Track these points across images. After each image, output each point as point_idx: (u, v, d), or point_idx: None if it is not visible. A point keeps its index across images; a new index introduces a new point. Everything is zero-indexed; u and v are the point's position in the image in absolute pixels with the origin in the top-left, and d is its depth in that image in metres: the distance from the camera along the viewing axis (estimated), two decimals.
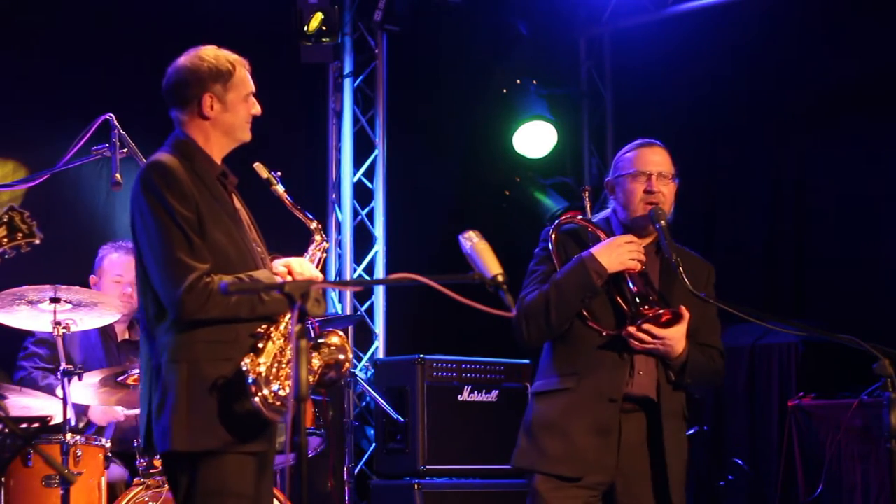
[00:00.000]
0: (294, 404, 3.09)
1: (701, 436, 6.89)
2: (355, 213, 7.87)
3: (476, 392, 6.92)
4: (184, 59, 3.79)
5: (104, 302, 5.21)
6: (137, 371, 4.95)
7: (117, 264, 5.74)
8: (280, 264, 3.82)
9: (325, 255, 4.00)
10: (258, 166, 3.93)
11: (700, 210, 8.07)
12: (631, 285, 4.18)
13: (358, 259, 7.87)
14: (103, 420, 5.51)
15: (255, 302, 3.60)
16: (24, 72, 6.50)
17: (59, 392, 4.99)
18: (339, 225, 7.85)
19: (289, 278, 3.75)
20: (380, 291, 7.85)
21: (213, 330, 3.58)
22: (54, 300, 5.01)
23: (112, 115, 5.00)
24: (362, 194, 7.92)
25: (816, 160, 7.76)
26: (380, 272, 7.82)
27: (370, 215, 7.93)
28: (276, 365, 3.60)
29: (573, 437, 4.15)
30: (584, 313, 4.19)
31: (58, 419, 5.01)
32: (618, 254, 4.16)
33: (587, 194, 4.48)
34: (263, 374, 3.56)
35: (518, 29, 8.14)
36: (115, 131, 4.97)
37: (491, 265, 3.45)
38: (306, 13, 7.33)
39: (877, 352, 3.93)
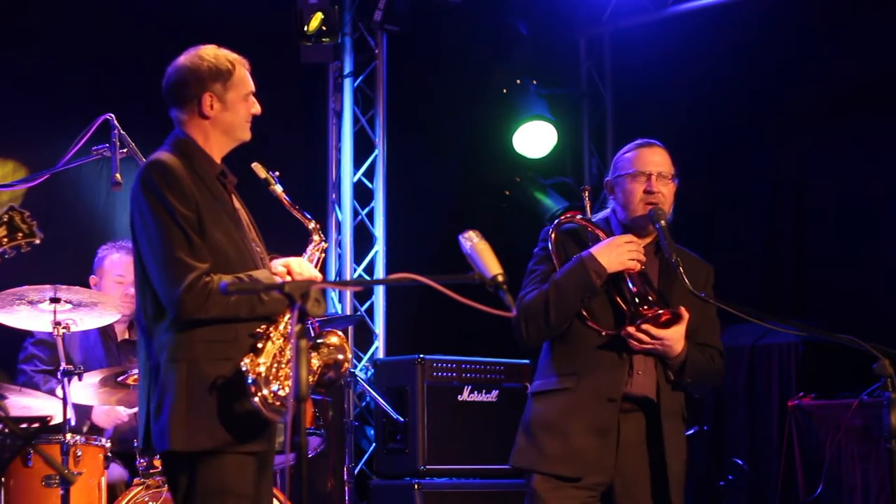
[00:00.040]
0: (294, 404, 3.09)
1: (701, 436, 6.89)
2: (355, 213, 7.87)
3: (476, 392, 6.92)
4: (183, 59, 3.79)
5: (104, 302, 5.20)
6: (137, 371, 4.95)
7: (118, 264, 5.74)
8: (279, 264, 3.82)
9: (323, 255, 4.00)
10: (256, 166, 3.93)
11: (700, 210, 8.07)
12: (630, 285, 4.18)
13: (358, 259, 7.87)
14: (107, 423, 5.49)
15: (254, 302, 3.60)
16: (24, 72, 6.50)
17: (59, 392, 4.99)
18: (339, 225, 7.86)
19: (288, 278, 3.75)
20: (380, 291, 7.85)
21: (212, 329, 3.58)
22: (54, 300, 5.01)
23: (112, 115, 5.00)
24: (362, 194, 7.92)
25: (816, 160, 7.76)
26: (380, 272, 7.82)
27: (370, 215, 7.93)
28: (275, 365, 3.60)
29: (572, 437, 4.15)
30: (584, 313, 4.19)
31: (58, 419, 5.00)
32: (617, 254, 4.16)
33: (587, 194, 4.48)
34: (263, 374, 3.56)
35: (518, 29, 8.14)
36: (115, 131, 4.98)
37: (491, 265, 3.45)
38: (306, 13, 7.33)
39: (877, 352, 3.93)
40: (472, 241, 3.51)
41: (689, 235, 4.93)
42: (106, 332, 5.70)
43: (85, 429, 5.45)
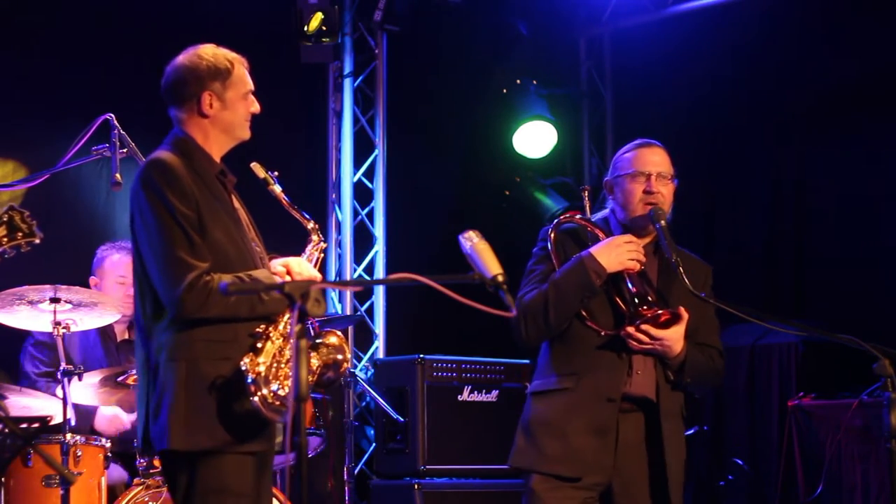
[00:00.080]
0: (294, 404, 3.09)
1: (701, 436, 6.89)
2: (355, 213, 7.87)
3: (476, 392, 6.93)
4: (182, 58, 3.79)
5: (104, 302, 5.20)
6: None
7: (119, 265, 5.73)
8: (279, 264, 3.82)
9: (322, 255, 4.00)
10: (255, 166, 3.93)
11: (700, 210, 8.07)
12: (630, 285, 4.18)
13: (358, 259, 7.87)
14: (110, 429, 5.48)
15: (254, 301, 3.60)
16: (24, 72, 6.50)
17: (59, 392, 4.99)
18: (339, 225, 7.86)
19: (287, 278, 3.75)
20: (380, 291, 7.85)
21: (211, 329, 3.58)
22: (54, 300, 5.01)
23: (112, 115, 5.00)
24: (362, 194, 7.92)
25: (816, 160, 7.76)
26: (380, 272, 7.82)
27: (370, 215, 7.93)
28: (275, 364, 3.60)
29: (571, 437, 4.15)
30: (583, 313, 4.19)
31: (58, 419, 5.00)
32: (617, 254, 4.16)
33: (586, 194, 4.47)
34: (263, 374, 3.55)
35: (518, 29, 8.14)
36: (115, 131, 4.98)
37: (491, 265, 3.45)
38: (306, 13, 7.33)
39: (877, 352, 3.93)
40: (472, 241, 3.51)
41: (689, 235, 4.93)
42: (105, 332, 5.70)
43: (88, 431, 5.44)
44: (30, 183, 5.48)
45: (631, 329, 4.12)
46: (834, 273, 7.49)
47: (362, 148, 7.91)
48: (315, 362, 3.74)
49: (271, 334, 3.64)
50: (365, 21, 7.87)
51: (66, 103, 6.41)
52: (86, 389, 5.16)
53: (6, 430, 4.87)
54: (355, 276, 7.71)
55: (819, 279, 7.64)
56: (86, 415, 5.43)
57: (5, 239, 4.05)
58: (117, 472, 5.39)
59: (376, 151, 7.94)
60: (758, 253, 7.97)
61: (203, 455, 3.57)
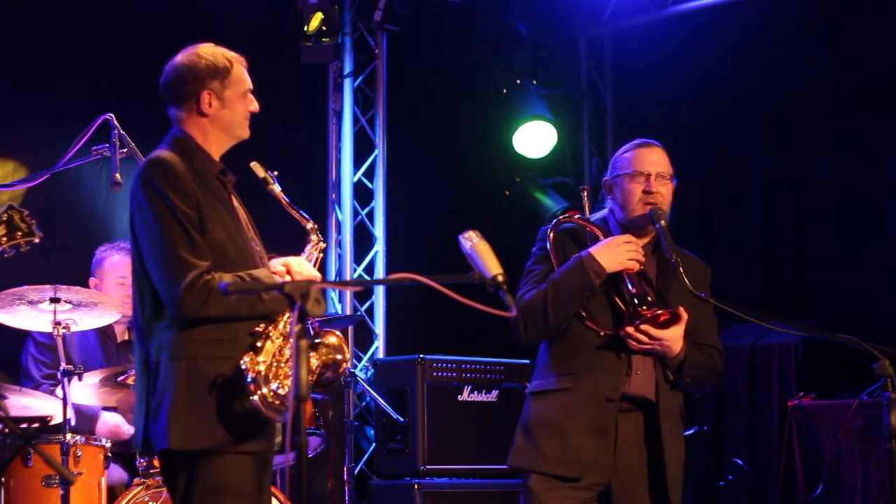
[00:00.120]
0: (294, 404, 3.09)
1: (701, 436, 6.89)
2: (355, 213, 7.87)
3: (476, 392, 6.92)
4: (181, 57, 3.79)
5: (104, 302, 5.20)
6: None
7: (119, 266, 5.72)
8: (279, 263, 3.81)
9: (321, 254, 4.00)
10: (255, 165, 3.93)
11: (700, 210, 8.07)
12: (629, 285, 4.18)
13: (358, 259, 7.87)
14: (110, 437, 5.47)
15: (254, 300, 3.60)
16: (24, 72, 6.50)
17: (59, 392, 4.98)
18: (339, 225, 7.85)
19: (287, 277, 3.75)
20: (380, 291, 7.85)
21: (211, 328, 3.58)
22: (54, 300, 5.00)
23: (112, 115, 5.00)
24: (362, 194, 7.92)
25: (816, 160, 7.76)
26: (380, 272, 7.82)
27: (370, 215, 7.93)
28: (275, 364, 3.60)
29: (570, 437, 4.15)
30: (582, 313, 4.18)
31: (58, 419, 5.00)
32: (616, 254, 4.16)
33: (585, 194, 4.47)
34: (262, 373, 3.55)
35: (518, 29, 8.14)
36: (115, 131, 4.98)
37: (491, 265, 3.45)
38: (306, 13, 7.33)
39: (877, 352, 3.93)
40: (472, 241, 3.51)
41: (688, 235, 4.92)
42: (105, 332, 5.70)
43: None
44: (30, 183, 5.48)
45: (630, 329, 4.12)
46: (834, 273, 7.49)
47: (362, 148, 7.91)
48: (315, 362, 3.74)
49: (271, 333, 3.63)
50: (365, 21, 7.87)
51: (66, 103, 6.40)
52: (86, 389, 5.16)
53: (6, 430, 4.87)
54: (355, 276, 7.71)
55: (819, 279, 7.64)
56: (88, 419, 5.43)
57: (5, 238, 4.05)
58: (117, 472, 5.39)
59: (376, 151, 7.94)
60: (758, 253, 7.97)
61: (203, 454, 3.57)
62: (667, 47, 8.06)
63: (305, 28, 7.32)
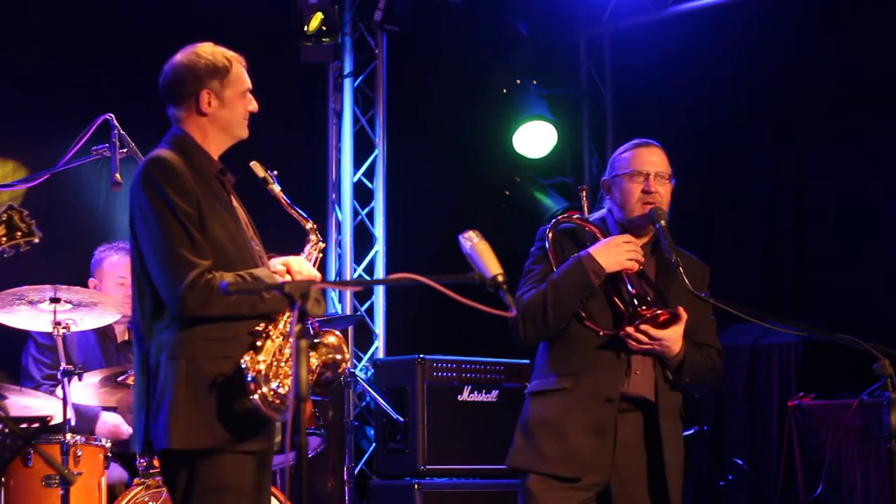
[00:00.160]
0: (294, 403, 3.09)
1: (701, 436, 6.89)
2: (355, 213, 7.87)
3: (476, 392, 6.92)
4: (180, 56, 3.79)
5: (104, 302, 5.20)
6: None
7: (118, 266, 5.72)
8: (278, 262, 3.82)
9: (321, 254, 4.00)
10: (255, 165, 3.93)
11: (699, 210, 8.07)
12: (628, 285, 4.18)
13: (358, 259, 7.87)
14: (110, 437, 5.47)
15: (255, 300, 3.60)
16: (24, 72, 6.50)
17: (59, 392, 4.98)
18: (339, 225, 7.85)
19: (287, 277, 3.75)
20: (380, 291, 7.85)
21: (212, 327, 3.58)
22: (54, 300, 5.00)
23: (112, 115, 5.00)
24: (362, 194, 7.92)
25: (816, 160, 7.76)
26: (380, 272, 7.82)
27: (370, 215, 7.93)
28: (275, 363, 3.60)
29: (570, 437, 4.15)
30: (582, 313, 4.18)
31: (58, 419, 5.00)
32: (616, 253, 4.16)
33: (584, 194, 4.48)
34: (263, 372, 3.55)
35: (518, 29, 8.14)
36: (115, 131, 4.97)
37: (491, 265, 3.45)
38: (306, 13, 7.33)
39: (877, 352, 3.93)
40: (472, 241, 3.51)
41: (688, 235, 4.93)
42: (105, 333, 5.70)
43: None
44: (30, 183, 5.48)
45: (630, 329, 4.11)
46: (834, 273, 7.49)
47: (362, 148, 7.91)
48: (315, 361, 3.74)
49: (271, 333, 3.63)
50: (365, 21, 7.87)
51: (66, 103, 6.41)
52: (86, 389, 5.16)
53: (6, 430, 4.87)
54: (355, 276, 7.71)
55: (819, 279, 7.64)
56: (88, 420, 5.43)
57: (4, 238, 4.05)
58: (117, 472, 5.39)
59: (376, 151, 7.94)
60: (758, 253, 7.97)
61: (203, 454, 3.57)
62: (667, 47, 8.06)
63: (305, 28, 7.32)
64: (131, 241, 3.71)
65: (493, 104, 8.20)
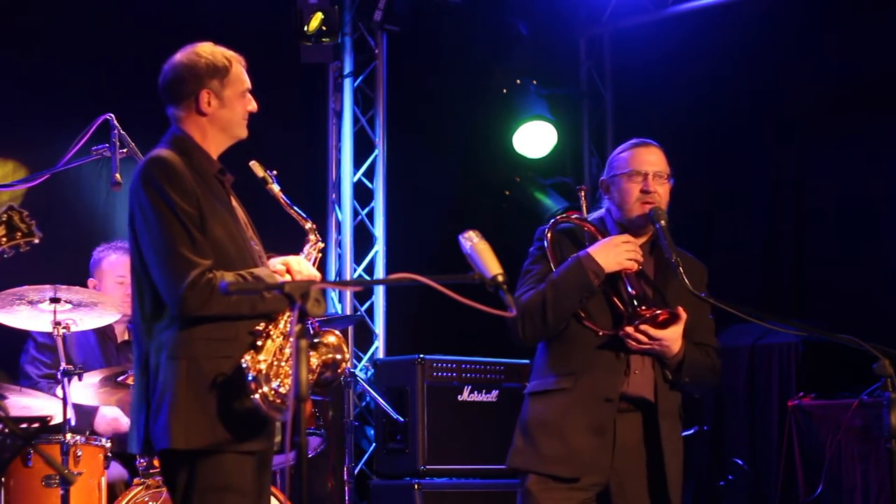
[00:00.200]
0: (294, 403, 3.09)
1: (701, 436, 6.89)
2: (355, 213, 7.87)
3: (476, 392, 6.92)
4: (180, 56, 3.79)
5: (104, 302, 5.20)
6: None
7: (118, 265, 5.73)
8: (278, 262, 3.82)
9: (320, 254, 3.99)
10: (254, 165, 3.93)
11: (699, 210, 8.07)
12: (628, 285, 4.18)
13: (358, 259, 7.87)
14: (108, 430, 5.48)
15: (256, 299, 3.60)
16: (24, 72, 6.50)
17: (59, 392, 4.98)
18: (339, 225, 7.86)
19: (287, 277, 3.75)
20: (380, 291, 7.85)
21: (212, 327, 3.57)
22: (54, 300, 5.01)
23: (112, 115, 5.00)
24: (362, 194, 7.92)
25: (816, 160, 7.76)
26: (380, 272, 7.82)
27: (370, 215, 7.93)
28: (275, 362, 3.60)
29: (569, 437, 4.15)
30: (581, 313, 4.18)
31: (58, 419, 5.00)
32: (615, 253, 4.15)
33: (583, 194, 4.48)
34: (263, 372, 3.55)
35: (518, 29, 8.14)
36: (115, 131, 4.98)
37: (491, 265, 3.45)
38: (306, 13, 7.33)
39: (877, 352, 3.93)
40: (472, 241, 3.51)
41: (688, 235, 4.93)
42: (105, 333, 5.70)
43: (87, 431, 5.44)
44: (30, 183, 5.48)
45: (630, 329, 4.11)
46: (834, 273, 7.49)
47: (362, 148, 7.91)
48: (315, 361, 3.74)
49: (271, 332, 3.63)
50: (365, 21, 7.87)
51: (66, 103, 6.41)
52: (86, 389, 5.16)
53: (6, 430, 4.87)
54: (355, 276, 7.72)
55: (819, 279, 7.64)
56: (86, 414, 5.43)
57: (4, 239, 4.05)
58: (117, 471, 5.40)
59: (376, 151, 7.94)
60: (758, 253, 7.97)
61: (203, 454, 3.57)
62: (667, 47, 8.06)
63: (305, 28, 7.32)
64: (131, 241, 3.70)
65: (493, 104, 8.20)
